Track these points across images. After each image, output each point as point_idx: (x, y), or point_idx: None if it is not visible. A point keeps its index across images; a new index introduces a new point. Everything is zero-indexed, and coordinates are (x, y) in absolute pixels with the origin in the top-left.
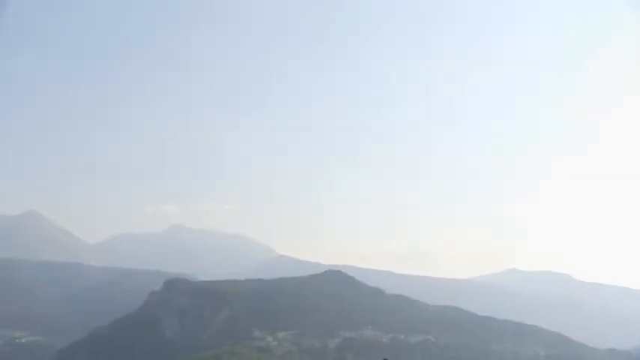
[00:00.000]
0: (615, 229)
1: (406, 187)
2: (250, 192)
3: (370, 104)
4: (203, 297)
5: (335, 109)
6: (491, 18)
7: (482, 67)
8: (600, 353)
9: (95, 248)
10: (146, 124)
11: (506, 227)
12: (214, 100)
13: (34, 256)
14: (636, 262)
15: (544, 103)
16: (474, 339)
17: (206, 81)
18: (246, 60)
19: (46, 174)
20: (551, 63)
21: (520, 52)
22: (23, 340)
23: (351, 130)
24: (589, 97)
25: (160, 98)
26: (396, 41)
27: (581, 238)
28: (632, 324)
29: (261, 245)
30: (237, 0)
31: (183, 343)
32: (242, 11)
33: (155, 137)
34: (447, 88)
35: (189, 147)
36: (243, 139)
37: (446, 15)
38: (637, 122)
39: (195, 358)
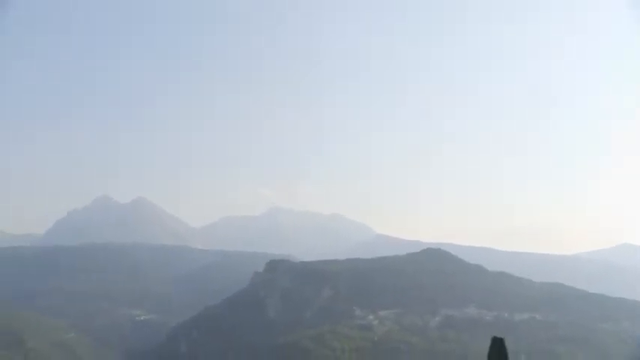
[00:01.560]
0: None
1: (505, 163)
2: (347, 172)
3: (466, 82)
4: (304, 277)
5: (431, 86)
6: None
7: None
8: None
9: (200, 232)
10: (239, 111)
11: (617, 200)
12: (304, 83)
13: (145, 240)
14: None
15: None
16: (584, 317)
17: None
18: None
19: (154, 164)
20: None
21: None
22: (141, 318)
23: (445, 107)
24: None
25: (251, 85)
26: None
27: None
28: None
29: (360, 225)
30: None
31: (285, 322)
32: None
33: (249, 123)
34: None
35: (284, 130)
36: (338, 120)
37: None
38: None
39: (297, 337)
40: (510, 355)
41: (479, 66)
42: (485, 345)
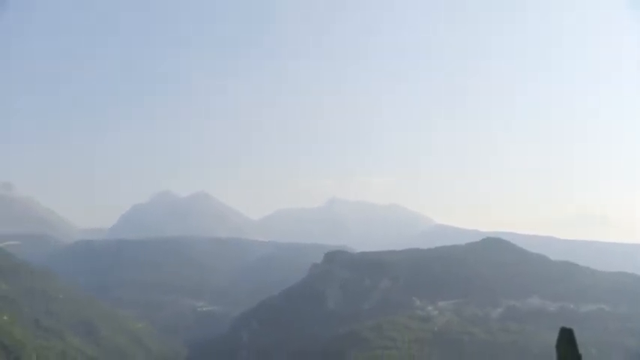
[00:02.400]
0: None
1: (569, 149)
2: (405, 163)
3: (525, 68)
4: (363, 268)
5: (488, 79)
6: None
7: None
8: None
9: (259, 224)
10: (297, 104)
11: None
12: (362, 73)
13: (205, 233)
14: None
15: None
16: None
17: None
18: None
19: (213, 158)
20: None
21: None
22: (204, 309)
23: (505, 96)
24: None
25: (306, 77)
26: None
27: None
28: None
29: (418, 215)
30: None
31: (344, 313)
32: None
33: (306, 115)
34: None
35: (341, 122)
36: (397, 110)
37: None
38: None
39: (356, 327)
40: (580, 348)
41: (533, 59)
42: (550, 337)
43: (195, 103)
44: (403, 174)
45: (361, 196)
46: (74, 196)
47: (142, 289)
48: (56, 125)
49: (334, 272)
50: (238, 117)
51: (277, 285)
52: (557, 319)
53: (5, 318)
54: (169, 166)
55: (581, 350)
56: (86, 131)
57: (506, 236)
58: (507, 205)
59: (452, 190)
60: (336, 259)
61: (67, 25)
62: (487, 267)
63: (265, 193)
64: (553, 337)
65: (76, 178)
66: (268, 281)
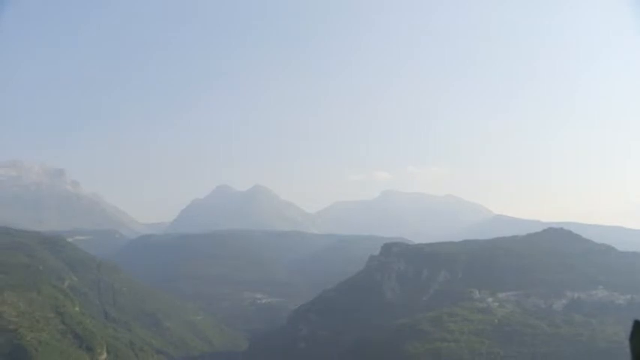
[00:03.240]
0: None
1: (635, 137)
2: (461, 153)
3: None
4: (420, 260)
5: (548, 63)
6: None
7: None
8: None
9: (315, 217)
10: (352, 95)
11: None
12: (415, 62)
13: (263, 226)
14: None
15: None
16: None
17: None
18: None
19: (270, 152)
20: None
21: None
22: (263, 301)
23: (564, 81)
24: None
25: (361, 68)
26: None
27: None
28: None
29: (476, 206)
30: None
31: (402, 304)
32: None
33: (362, 107)
34: None
35: (396, 114)
36: (452, 102)
37: None
38: None
39: (415, 319)
40: None
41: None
42: (618, 330)
43: (251, 97)
44: (459, 164)
45: (416, 187)
46: (137, 192)
47: (202, 282)
48: (118, 123)
49: (391, 264)
50: (293, 110)
51: (335, 277)
52: (627, 312)
53: (77, 309)
54: (227, 160)
55: None
56: (146, 128)
57: (570, 226)
58: (570, 194)
59: (510, 179)
60: (393, 250)
61: (133, 16)
62: (550, 258)
63: (321, 186)
64: (621, 331)
65: (138, 174)
66: (326, 273)
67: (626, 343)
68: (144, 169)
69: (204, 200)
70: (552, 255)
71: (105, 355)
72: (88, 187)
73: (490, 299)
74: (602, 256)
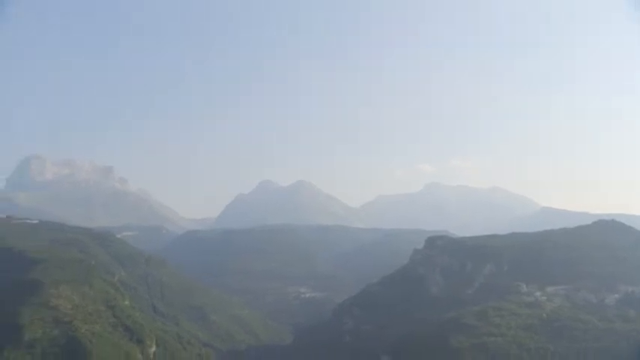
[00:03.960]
0: None
1: None
2: (506, 144)
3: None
4: (465, 253)
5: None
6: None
7: None
8: None
9: (359, 211)
10: (394, 88)
11: None
12: (461, 53)
13: (307, 221)
14: None
15: None
16: None
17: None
18: None
19: (312, 147)
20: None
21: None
22: (307, 296)
23: (611, 71)
24: None
25: (407, 61)
26: None
27: None
28: None
29: (522, 198)
30: None
31: (447, 298)
32: None
33: (406, 99)
34: None
35: (439, 106)
36: (498, 92)
37: None
38: None
39: (460, 313)
40: None
41: None
42: None
43: (295, 93)
44: (504, 156)
45: (461, 180)
46: (182, 189)
47: (247, 277)
48: (164, 121)
49: (435, 257)
50: (336, 105)
51: (379, 271)
52: None
53: (126, 303)
54: (270, 156)
55: None
56: (191, 125)
57: (620, 218)
58: (619, 184)
59: (558, 171)
60: (438, 244)
61: (180, 15)
62: (601, 251)
63: (365, 180)
64: None
65: (183, 171)
66: (370, 267)
67: None
68: (189, 165)
69: (248, 196)
70: (603, 248)
71: (154, 348)
72: (135, 184)
73: (538, 293)
74: None
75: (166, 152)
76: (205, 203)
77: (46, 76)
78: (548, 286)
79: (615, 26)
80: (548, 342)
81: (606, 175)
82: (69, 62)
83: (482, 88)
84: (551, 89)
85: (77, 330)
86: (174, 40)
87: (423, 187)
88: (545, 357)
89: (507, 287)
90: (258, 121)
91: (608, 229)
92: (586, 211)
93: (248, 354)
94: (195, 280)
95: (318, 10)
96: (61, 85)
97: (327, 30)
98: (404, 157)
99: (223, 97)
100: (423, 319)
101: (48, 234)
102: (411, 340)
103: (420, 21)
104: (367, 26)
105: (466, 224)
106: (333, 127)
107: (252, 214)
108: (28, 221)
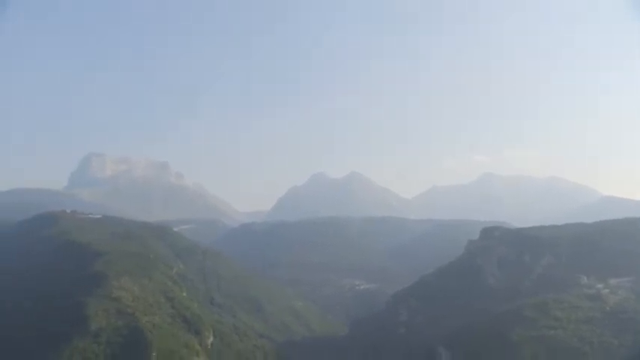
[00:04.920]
0: None
1: None
2: (564, 133)
3: None
4: (522, 244)
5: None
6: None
7: None
8: None
9: (413, 202)
10: (449, 78)
11: None
12: (512, 40)
13: (360, 213)
14: None
15: None
16: None
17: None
18: None
19: (364, 139)
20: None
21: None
22: (361, 287)
23: None
24: None
25: (459, 51)
26: None
27: None
28: None
29: (581, 187)
30: None
31: (504, 290)
32: None
33: (459, 90)
34: None
35: (492, 96)
36: (551, 77)
37: None
38: None
39: (518, 305)
40: None
41: None
42: None
43: (346, 85)
44: (562, 144)
45: (517, 170)
46: (237, 182)
47: (302, 269)
48: (218, 116)
49: (492, 248)
50: (387, 97)
51: (433, 262)
52: None
53: (184, 294)
54: (323, 148)
55: None
56: (244, 119)
57: None
58: None
59: (619, 158)
60: (494, 235)
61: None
62: None
63: (418, 171)
64: None
65: (237, 165)
66: (424, 259)
67: None
68: (243, 159)
69: (301, 188)
70: None
71: (211, 339)
72: (191, 178)
73: (600, 285)
74: None
75: (220, 147)
76: (259, 196)
77: (100, 77)
78: (611, 277)
79: None
80: (612, 336)
81: None
82: (123, 63)
83: (537, 74)
84: (607, 76)
85: (138, 321)
86: (224, 35)
87: (477, 178)
88: (609, 351)
89: (567, 279)
90: (309, 115)
91: None
92: None
93: (303, 345)
94: (251, 272)
95: (364, 5)
96: (116, 84)
97: (377, 22)
98: (457, 148)
99: (275, 91)
100: (480, 310)
101: (109, 228)
102: (468, 332)
103: (473, 9)
104: (416, 14)
105: (523, 215)
106: (386, 119)
107: (305, 206)
108: (91, 216)
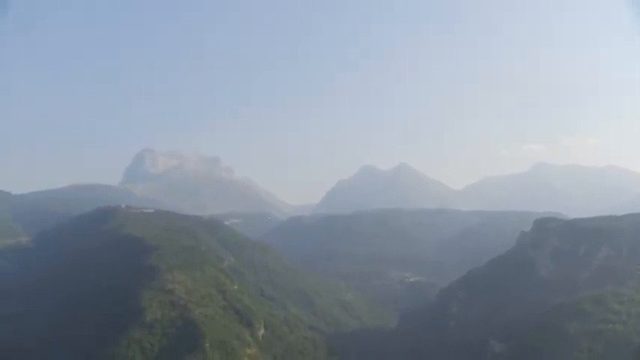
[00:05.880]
0: None
1: None
2: (623, 119)
3: None
4: (578, 235)
5: None
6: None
7: None
8: None
9: (463, 193)
10: (499, 67)
11: None
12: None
13: (409, 205)
14: None
15: None
16: None
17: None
18: None
19: (413, 130)
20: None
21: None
22: (411, 280)
23: None
24: None
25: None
26: None
27: None
28: None
29: None
30: None
31: (558, 283)
32: None
33: (508, 78)
34: None
35: (547, 81)
36: (608, 64)
37: None
38: None
39: (574, 298)
40: None
41: None
42: None
43: (394, 76)
44: (621, 132)
45: (571, 159)
46: (285, 176)
47: (351, 261)
48: (266, 110)
49: (545, 240)
50: (435, 84)
51: (484, 254)
52: None
53: (235, 287)
54: (371, 141)
55: None
56: (292, 113)
57: None
58: None
59: None
60: (547, 226)
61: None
62: None
63: (468, 162)
64: None
65: (286, 158)
66: (475, 251)
67: None
68: (291, 153)
69: (349, 181)
70: None
71: (263, 331)
72: (240, 172)
73: None
74: None
75: (269, 141)
76: (307, 190)
77: (147, 75)
78: None
79: None
80: None
81: None
82: (175, 60)
83: (594, 58)
84: None
85: (192, 312)
86: (272, 31)
87: (531, 168)
88: None
89: (627, 272)
90: (356, 107)
91: None
92: None
93: (353, 337)
94: (300, 264)
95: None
96: (168, 81)
97: (424, 8)
98: (510, 137)
99: (323, 83)
100: (534, 303)
101: (162, 222)
102: (522, 326)
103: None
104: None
105: (579, 206)
106: (434, 108)
107: (353, 199)
108: (145, 211)
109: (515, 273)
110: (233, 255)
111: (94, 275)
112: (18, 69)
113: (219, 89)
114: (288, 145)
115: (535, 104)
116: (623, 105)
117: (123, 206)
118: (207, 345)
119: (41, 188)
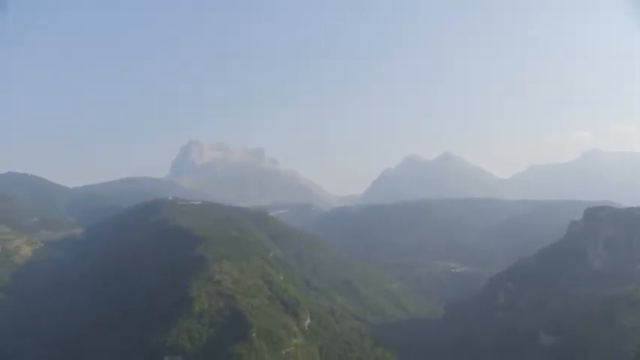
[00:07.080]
0: None
1: None
2: None
3: None
4: (632, 225)
5: None
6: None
7: None
8: None
9: (509, 182)
10: (545, 52)
11: None
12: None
13: (455, 194)
14: None
15: None
16: None
17: None
18: None
19: (458, 118)
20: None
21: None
22: (457, 270)
23: None
24: None
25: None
26: None
27: None
28: None
29: None
30: None
31: (612, 274)
32: None
33: (554, 63)
34: None
35: (598, 66)
36: None
37: None
38: None
39: (629, 289)
40: None
41: None
42: None
43: (437, 64)
44: None
45: (623, 146)
46: (330, 166)
47: (396, 251)
48: (311, 101)
49: (597, 230)
50: (479, 72)
51: (532, 244)
52: None
53: (281, 278)
54: (415, 130)
55: None
56: (336, 103)
57: None
58: None
59: None
60: (599, 215)
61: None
62: None
63: (516, 150)
64: None
65: (330, 149)
66: (522, 241)
67: None
68: (336, 143)
69: (394, 170)
70: None
71: (309, 321)
72: (285, 163)
73: None
74: None
75: (313, 132)
76: (352, 180)
77: (194, 69)
78: None
79: None
80: None
81: None
82: (219, 55)
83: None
84: None
85: (239, 302)
86: (309, 27)
87: (581, 155)
88: None
89: None
90: (401, 97)
91: None
92: None
93: (399, 327)
94: (345, 255)
95: None
96: (211, 75)
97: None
98: (557, 124)
99: (365, 73)
100: (585, 295)
101: (209, 214)
102: (573, 317)
103: None
104: None
105: (633, 194)
106: (478, 96)
107: (398, 188)
108: (192, 202)
109: (565, 264)
110: (278, 246)
111: (143, 266)
112: (66, 68)
113: (264, 82)
114: (332, 135)
115: (585, 88)
116: None
117: (170, 198)
118: (254, 335)
119: (96, 181)
